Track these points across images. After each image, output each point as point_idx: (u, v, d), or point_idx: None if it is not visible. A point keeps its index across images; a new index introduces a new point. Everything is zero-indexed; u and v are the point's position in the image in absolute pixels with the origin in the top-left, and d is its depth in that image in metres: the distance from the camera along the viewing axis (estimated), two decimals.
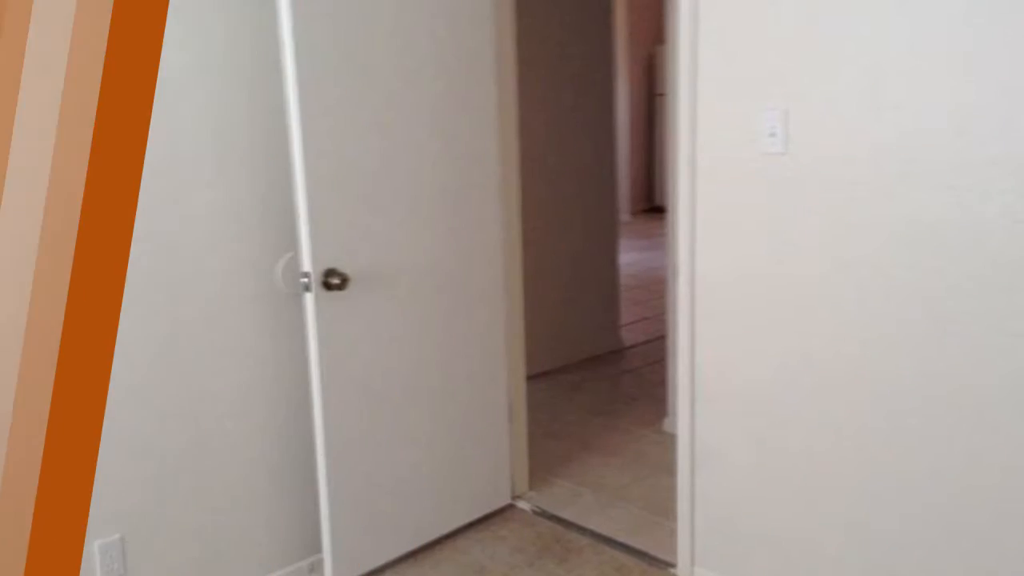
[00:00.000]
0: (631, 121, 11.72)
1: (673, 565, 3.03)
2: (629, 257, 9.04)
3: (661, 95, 11.50)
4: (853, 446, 2.41)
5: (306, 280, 2.72)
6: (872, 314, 2.32)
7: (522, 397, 3.65)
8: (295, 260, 2.85)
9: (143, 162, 1.43)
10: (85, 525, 1.60)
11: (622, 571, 3.08)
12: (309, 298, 2.73)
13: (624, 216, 11.60)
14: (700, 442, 2.79)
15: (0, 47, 1.27)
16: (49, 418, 1.38)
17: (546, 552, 3.22)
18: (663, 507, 3.51)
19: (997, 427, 2.14)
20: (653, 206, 12.28)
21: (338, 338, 2.82)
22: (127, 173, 1.38)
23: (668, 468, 3.86)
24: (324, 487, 2.85)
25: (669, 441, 4.16)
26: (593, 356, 5.68)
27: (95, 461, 1.52)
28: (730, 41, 2.50)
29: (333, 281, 2.74)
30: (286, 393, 2.92)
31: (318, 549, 3.07)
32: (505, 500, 3.55)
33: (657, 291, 7.45)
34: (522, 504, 3.59)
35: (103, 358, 1.43)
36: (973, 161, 2.09)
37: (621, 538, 3.29)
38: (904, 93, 2.18)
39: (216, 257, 2.70)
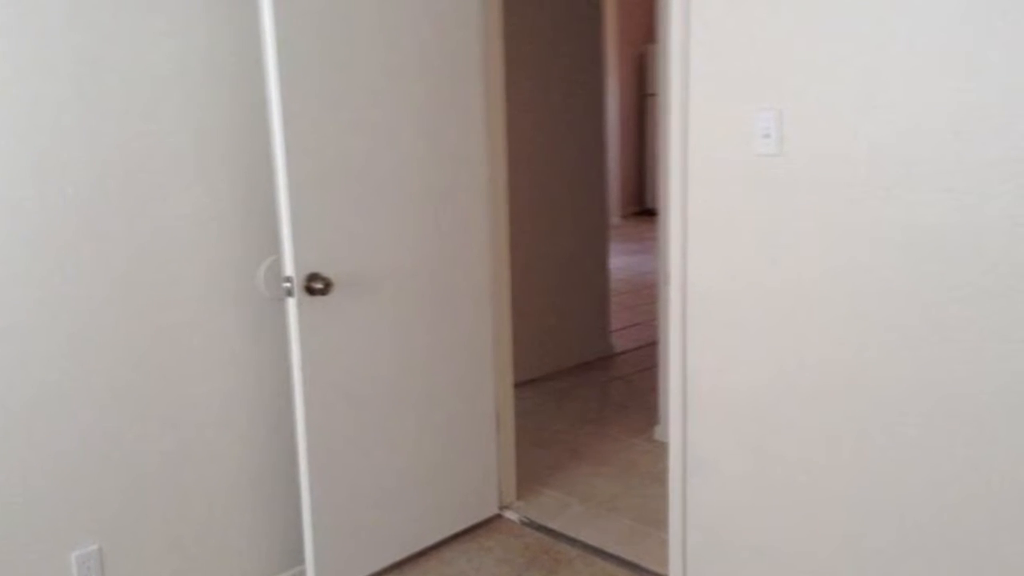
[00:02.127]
0: (621, 122, 11.73)
1: None
2: (619, 261, 9.02)
3: (652, 95, 11.53)
4: (849, 455, 2.37)
5: (289, 285, 2.67)
6: (869, 320, 2.28)
7: (509, 404, 3.60)
8: (277, 264, 2.81)
9: None
10: None
11: None
12: (292, 303, 2.69)
13: (614, 219, 11.61)
14: (692, 451, 2.74)
15: None
16: None
17: (534, 563, 3.17)
18: (654, 517, 3.48)
19: (997, 435, 2.10)
20: (644, 208, 12.30)
21: (321, 344, 2.77)
22: None
23: (659, 477, 3.84)
24: (306, 496, 2.81)
25: (660, 450, 4.14)
26: (582, 362, 5.65)
27: None
28: (723, 40, 2.46)
29: (316, 286, 2.69)
30: (268, 400, 2.88)
31: (300, 560, 3.03)
32: (492, 510, 3.50)
33: (648, 296, 7.44)
34: (509, 514, 3.54)
35: None
36: (972, 163, 2.05)
37: (611, 549, 3.25)
38: (901, 93, 2.14)
39: (197, 261, 2.66)
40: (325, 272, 2.75)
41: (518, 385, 5.19)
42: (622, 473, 3.94)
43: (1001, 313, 2.06)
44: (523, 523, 3.48)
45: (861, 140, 2.23)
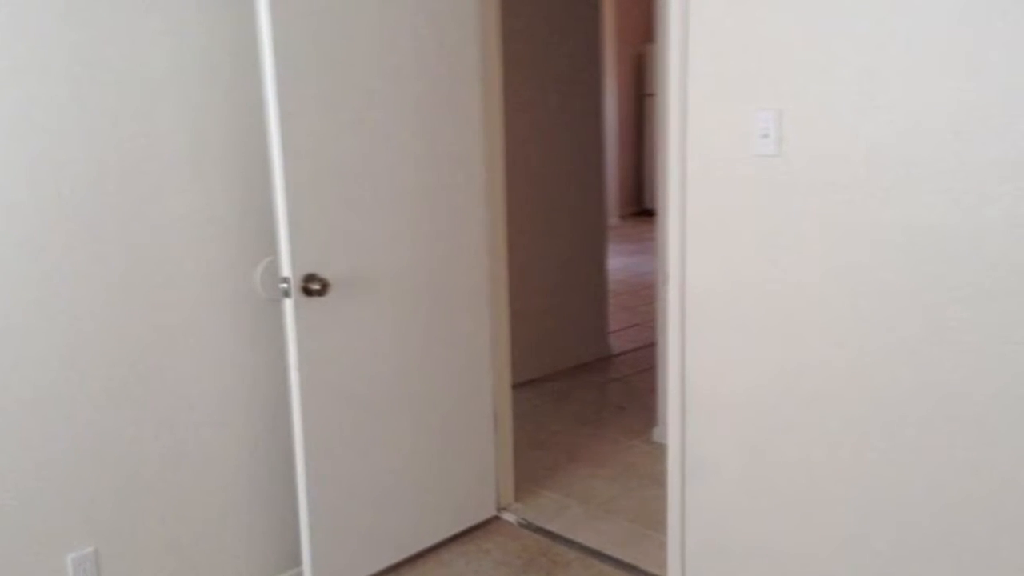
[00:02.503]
0: (619, 122, 11.71)
1: None
2: (618, 262, 9.00)
3: (650, 95, 11.50)
4: (849, 457, 2.36)
5: (285, 286, 2.66)
6: (868, 321, 2.27)
7: (507, 406, 3.59)
8: (274, 265, 2.80)
9: None
10: None
11: None
12: (288, 304, 2.67)
13: (613, 219, 11.59)
14: (691, 453, 2.73)
15: None
16: None
17: (532, 566, 3.16)
18: (653, 519, 3.46)
19: (997, 437, 2.09)
20: (643, 209, 12.28)
21: (318, 345, 2.76)
22: None
23: (658, 479, 3.82)
24: (303, 498, 2.79)
25: (659, 451, 4.13)
26: (580, 364, 5.64)
27: None
28: (721, 39, 2.45)
29: (313, 287, 2.68)
30: (265, 401, 2.86)
31: (297, 562, 3.02)
32: (490, 512, 3.49)
33: (646, 297, 7.42)
34: (507, 516, 3.52)
35: None
36: (972, 163, 2.04)
37: (610, 551, 3.24)
38: (901, 93, 2.13)
39: (193, 261, 2.64)
40: (322, 273, 2.74)
41: (516, 386, 5.17)
42: (620, 475, 3.92)
43: (1001, 314, 2.04)
44: (521, 525, 3.47)
45: (860, 140, 2.21)
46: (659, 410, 4.26)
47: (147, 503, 2.63)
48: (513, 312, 5.00)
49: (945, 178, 2.09)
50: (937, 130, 2.08)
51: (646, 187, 12.11)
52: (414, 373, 3.09)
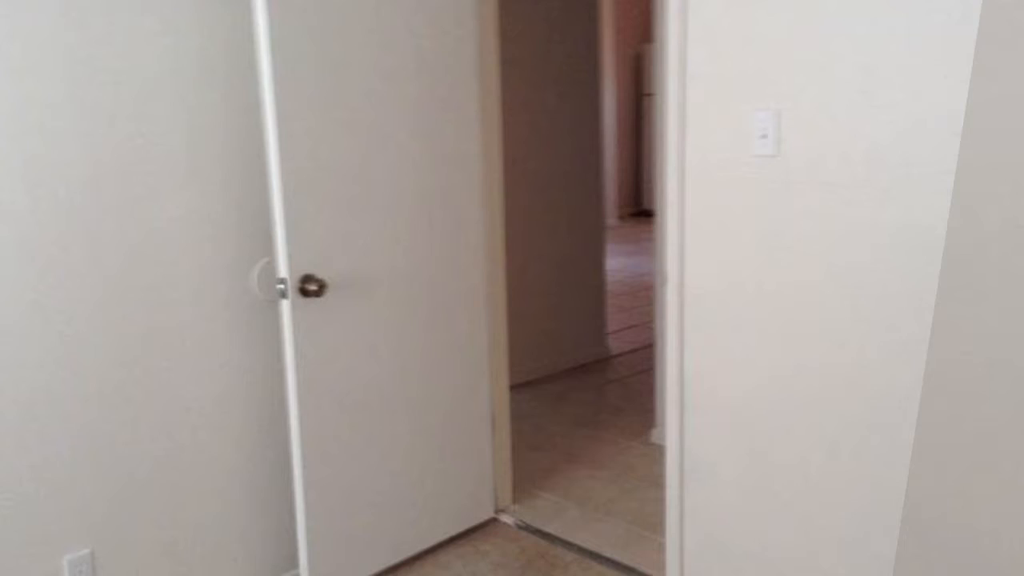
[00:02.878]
0: (618, 122, 11.71)
1: None
2: (616, 263, 9.00)
3: (649, 95, 11.51)
4: (848, 459, 2.35)
5: (282, 287, 2.65)
6: (867, 322, 2.26)
7: (505, 407, 3.58)
8: (271, 265, 2.79)
9: None
10: None
11: None
12: (285, 305, 2.66)
13: (611, 220, 11.59)
14: (689, 455, 2.72)
15: None
16: None
17: (530, 568, 3.15)
18: (651, 521, 3.45)
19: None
20: (641, 209, 12.28)
21: (315, 346, 2.74)
22: None
23: (656, 481, 3.81)
24: (300, 500, 2.78)
25: (657, 453, 4.12)
26: (578, 365, 5.63)
27: None
28: (720, 39, 2.44)
29: (310, 287, 2.67)
30: (262, 403, 2.85)
31: (295, 565, 3.01)
32: (488, 514, 3.48)
33: (645, 298, 7.41)
34: (505, 518, 3.51)
35: None
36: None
37: (608, 553, 3.23)
38: (900, 93, 2.12)
39: (189, 262, 2.63)
40: (319, 274, 2.73)
41: (514, 388, 5.17)
42: (619, 476, 3.92)
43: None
44: (519, 527, 3.46)
45: (860, 140, 2.21)
46: (657, 412, 4.26)
47: (143, 505, 2.62)
48: (511, 313, 5.00)
49: (945, 178, 2.08)
50: (937, 130, 2.08)
51: (644, 187, 12.12)
52: (412, 374, 3.08)
